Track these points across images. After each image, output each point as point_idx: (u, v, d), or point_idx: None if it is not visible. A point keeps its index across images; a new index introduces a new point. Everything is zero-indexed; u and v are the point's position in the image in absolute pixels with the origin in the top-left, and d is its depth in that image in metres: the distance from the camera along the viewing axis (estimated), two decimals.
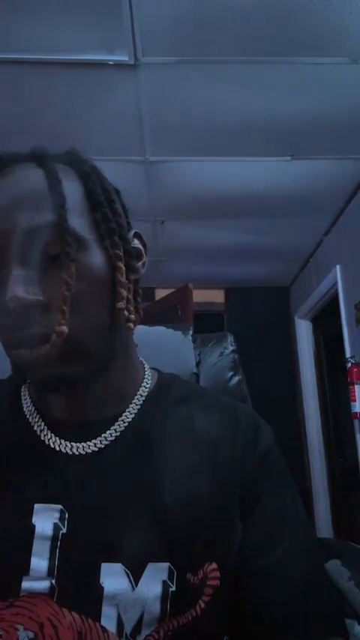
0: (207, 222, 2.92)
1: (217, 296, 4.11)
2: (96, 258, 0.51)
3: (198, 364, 0.81)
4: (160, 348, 0.79)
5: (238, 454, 0.57)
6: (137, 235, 0.60)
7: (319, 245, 3.26)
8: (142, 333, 0.85)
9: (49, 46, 1.58)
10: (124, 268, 0.53)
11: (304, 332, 3.82)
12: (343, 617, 0.57)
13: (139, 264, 0.58)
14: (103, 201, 0.52)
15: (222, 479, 0.55)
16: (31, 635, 0.46)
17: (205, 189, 2.49)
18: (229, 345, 0.85)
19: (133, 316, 0.54)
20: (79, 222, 0.50)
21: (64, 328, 0.46)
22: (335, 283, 2.91)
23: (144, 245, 0.60)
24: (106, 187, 0.54)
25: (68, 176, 0.52)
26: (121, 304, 0.52)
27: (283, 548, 0.54)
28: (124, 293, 0.52)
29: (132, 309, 0.54)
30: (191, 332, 0.84)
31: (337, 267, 2.88)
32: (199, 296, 3.70)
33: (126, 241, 0.54)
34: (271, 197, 2.58)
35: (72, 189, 0.51)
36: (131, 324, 0.53)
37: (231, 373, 0.82)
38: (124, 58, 1.63)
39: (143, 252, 0.60)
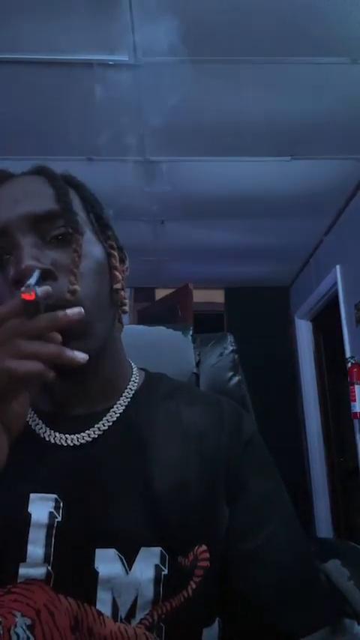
0: (207, 222, 2.92)
1: (217, 296, 4.11)
2: (94, 245, 0.57)
3: (198, 364, 0.82)
4: (160, 348, 0.79)
5: (223, 442, 0.60)
6: (121, 247, 0.66)
7: (319, 245, 3.26)
8: (142, 333, 0.85)
9: (50, 46, 1.59)
10: (117, 256, 0.60)
11: (304, 332, 3.82)
12: (333, 604, 0.57)
13: (126, 266, 0.64)
14: (95, 205, 0.61)
15: (208, 466, 0.57)
16: (29, 621, 0.48)
17: (205, 189, 2.49)
18: (229, 345, 0.85)
19: (126, 300, 0.60)
20: (79, 214, 0.57)
21: (77, 287, 0.51)
22: (335, 283, 2.91)
23: (125, 255, 0.66)
24: (96, 199, 0.62)
25: (66, 185, 0.59)
26: (119, 285, 0.58)
27: (268, 531, 0.55)
28: (120, 277, 0.58)
29: (125, 296, 0.59)
30: (191, 332, 0.84)
31: (337, 267, 2.88)
32: (199, 296, 3.70)
33: (116, 240, 0.62)
34: (271, 197, 2.58)
35: (74, 198, 0.58)
36: (125, 308, 0.60)
37: (231, 373, 0.82)
38: (124, 58, 1.64)
39: (125, 259, 0.66)
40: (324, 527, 3.40)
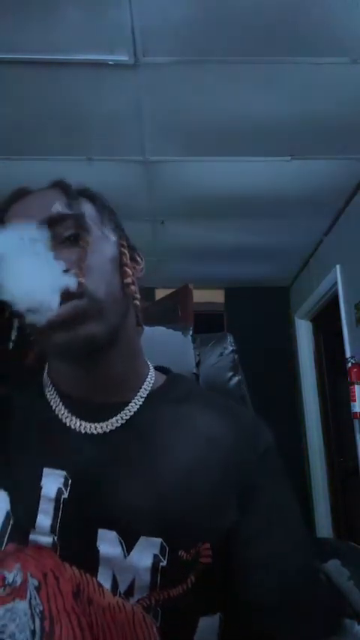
0: (207, 222, 2.92)
1: (217, 296, 4.11)
2: (104, 244, 0.61)
3: (198, 364, 0.82)
4: (160, 348, 0.79)
5: (238, 450, 0.61)
6: (135, 249, 0.69)
7: (319, 245, 3.26)
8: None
9: (50, 46, 1.59)
10: (128, 254, 0.63)
11: (304, 332, 3.81)
12: (338, 616, 0.59)
13: (139, 267, 0.68)
14: (106, 210, 0.65)
15: (219, 470, 0.59)
16: (36, 583, 0.51)
17: (205, 189, 2.49)
18: (229, 345, 0.85)
19: (138, 296, 0.63)
20: (90, 217, 0.61)
21: (83, 280, 0.54)
22: (335, 283, 2.91)
23: (140, 257, 0.70)
24: (109, 205, 0.66)
25: (80, 197, 0.63)
26: (129, 279, 0.61)
27: (276, 541, 0.57)
28: (130, 272, 0.61)
29: (137, 291, 0.63)
30: (191, 332, 0.84)
31: (337, 267, 2.88)
32: (199, 296, 3.70)
33: (127, 239, 0.65)
34: (271, 197, 2.58)
35: (85, 204, 0.63)
36: (137, 302, 0.63)
37: (231, 373, 0.82)
38: (124, 58, 1.63)
39: (141, 260, 0.69)
40: (324, 527, 3.40)
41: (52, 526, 0.53)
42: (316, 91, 1.82)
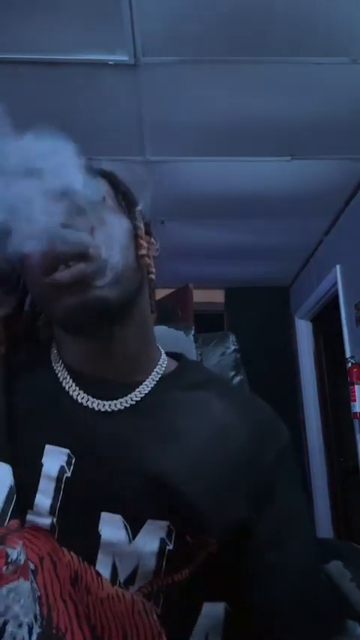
0: (207, 222, 2.92)
1: (217, 296, 4.11)
2: (120, 215, 0.60)
3: None
4: (162, 348, 0.79)
5: (254, 444, 0.58)
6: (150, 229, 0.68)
7: (319, 245, 3.26)
8: None
9: (49, 46, 1.58)
10: (142, 228, 0.61)
11: (304, 332, 3.81)
12: (343, 620, 0.59)
13: (155, 246, 0.66)
14: (122, 186, 0.64)
15: (232, 460, 0.56)
16: (32, 566, 0.48)
17: (205, 189, 2.49)
18: (231, 344, 0.85)
19: (154, 270, 0.61)
20: (108, 198, 0.61)
21: (96, 242, 0.53)
22: (335, 283, 2.91)
23: (155, 239, 0.68)
24: (125, 183, 0.66)
25: (97, 176, 0.62)
26: (143, 251, 0.59)
27: (292, 546, 0.55)
28: (145, 244, 0.60)
29: (152, 264, 0.61)
30: (193, 332, 0.84)
31: (337, 267, 2.88)
32: (199, 296, 3.70)
33: (142, 217, 0.63)
34: (271, 197, 2.58)
35: (101, 179, 0.62)
36: (153, 276, 0.62)
37: (233, 373, 0.82)
38: (124, 58, 1.63)
39: (155, 241, 0.68)
40: (324, 527, 3.40)
41: (52, 507, 0.50)
42: (316, 91, 1.81)
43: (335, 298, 2.92)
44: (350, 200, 2.64)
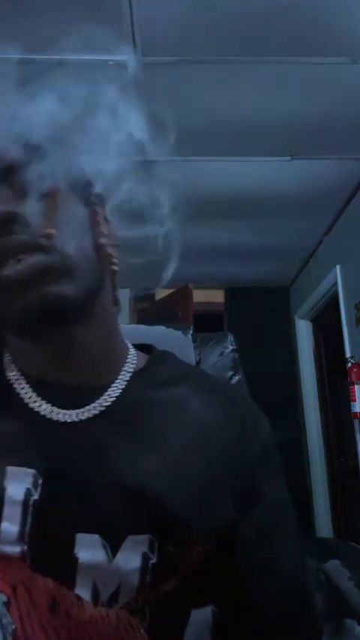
0: (207, 222, 2.92)
1: (217, 296, 4.11)
2: (75, 200, 0.53)
3: (198, 364, 0.81)
4: (161, 348, 0.79)
5: (235, 440, 0.55)
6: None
7: (319, 245, 3.26)
8: (142, 333, 0.85)
9: (49, 46, 1.58)
10: (102, 214, 0.54)
11: (304, 332, 3.82)
12: (339, 618, 0.58)
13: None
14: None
15: (214, 462, 0.53)
16: (4, 598, 0.45)
17: (205, 189, 2.49)
18: (230, 344, 0.85)
19: (116, 260, 0.54)
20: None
21: (53, 230, 0.46)
22: (335, 283, 2.91)
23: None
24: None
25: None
26: (103, 239, 0.52)
27: (280, 542, 0.54)
28: (105, 232, 0.53)
29: (114, 254, 0.55)
30: (191, 332, 0.84)
31: (337, 267, 2.88)
32: (199, 296, 3.70)
33: (102, 200, 0.56)
34: (271, 197, 2.58)
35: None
36: (115, 267, 0.54)
37: (231, 373, 0.82)
38: (124, 58, 1.63)
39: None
40: (324, 527, 3.40)
41: (20, 533, 0.46)
42: (316, 91, 1.82)
43: (335, 298, 2.92)
44: (350, 200, 2.64)
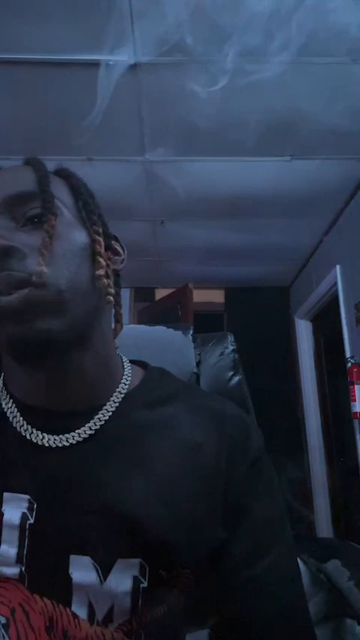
0: (207, 222, 2.92)
1: (217, 296, 4.11)
2: (74, 229, 0.54)
3: (198, 364, 0.81)
4: (161, 348, 0.79)
5: (225, 459, 0.55)
6: (115, 238, 0.63)
7: (319, 245, 3.26)
8: (142, 333, 0.85)
9: (49, 46, 1.58)
10: (103, 242, 0.55)
11: (304, 332, 3.81)
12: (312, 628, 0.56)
13: (119, 258, 0.61)
14: (84, 192, 0.58)
15: (204, 484, 0.53)
16: (3, 620, 0.47)
17: (205, 189, 2.49)
18: (230, 344, 0.85)
19: (112, 290, 0.55)
20: (61, 198, 0.55)
21: (44, 269, 0.47)
22: (335, 283, 2.91)
23: (122, 248, 0.63)
24: (87, 187, 0.60)
25: (55, 177, 0.58)
26: (101, 271, 0.53)
27: (270, 560, 0.53)
28: (103, 263, 0.54)
29: (112, 285, 0.56)
30: (191, 332, 0.84)
31: (337, 267, 2.88)
32: (199, 296, 3.70)
33: (105, 226, 0.58)
34: (270, 197, 2.58)
35: (59, 184, 0.57)
36: (111, 298, 0.55)
37: (231, 373, 0.82)
38: (124, 58, 1.63)
39: (122, 251, 0.63)
40: (324, 527, 3.40)
41: (19, 555, 0.48)
42: (316, 91, 1.82)
43: (335, 298, 2.92)
44: (350, 200, 2.64)
